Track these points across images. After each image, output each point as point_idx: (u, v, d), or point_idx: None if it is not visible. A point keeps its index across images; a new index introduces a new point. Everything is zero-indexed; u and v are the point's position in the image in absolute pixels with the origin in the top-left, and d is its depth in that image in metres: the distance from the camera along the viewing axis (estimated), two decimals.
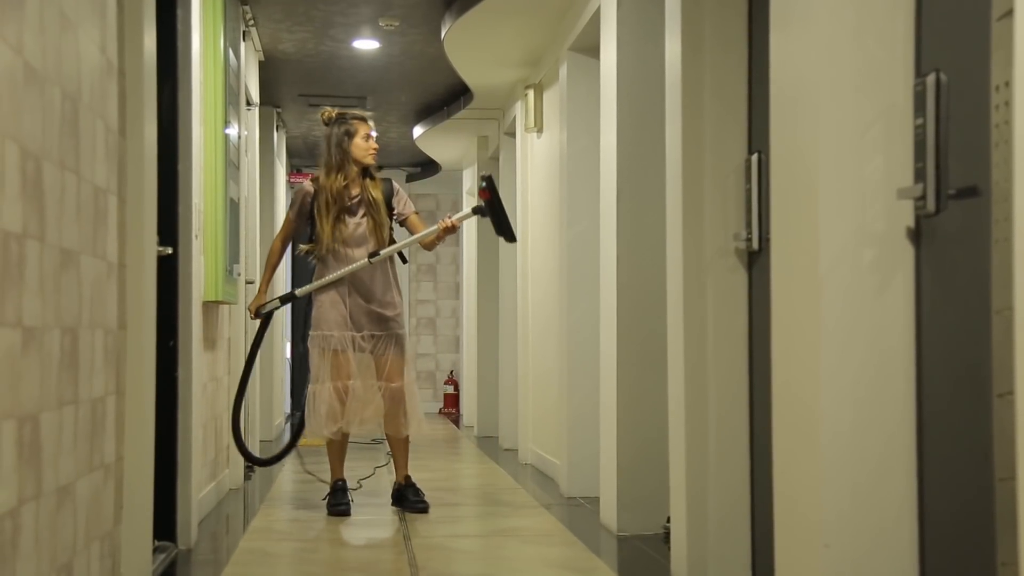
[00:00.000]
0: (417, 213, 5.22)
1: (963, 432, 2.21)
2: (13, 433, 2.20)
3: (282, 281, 9.40)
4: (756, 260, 3.41)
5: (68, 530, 2.63)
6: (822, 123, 2.43)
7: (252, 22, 6.35)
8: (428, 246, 5.18)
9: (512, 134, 7.87)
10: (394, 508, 5.14)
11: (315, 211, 5.04)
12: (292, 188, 11.38)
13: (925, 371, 2.37)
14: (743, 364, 3.49)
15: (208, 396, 5.02)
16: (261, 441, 7.56)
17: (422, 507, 5.04)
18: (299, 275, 10.21)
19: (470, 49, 6.53)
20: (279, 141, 9.30)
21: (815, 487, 2.41)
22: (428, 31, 6.66)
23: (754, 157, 3.30)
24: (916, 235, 2.39)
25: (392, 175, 7.76)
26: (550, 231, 6.32)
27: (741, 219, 3.45)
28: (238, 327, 6.01)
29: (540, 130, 6.72)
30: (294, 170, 11.29)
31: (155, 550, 3.68)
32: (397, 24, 6.53)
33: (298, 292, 5.24)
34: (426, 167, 11.57)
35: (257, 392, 7.23)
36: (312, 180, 5.13)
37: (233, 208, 5.36)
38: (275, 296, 5.39)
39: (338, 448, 5.15)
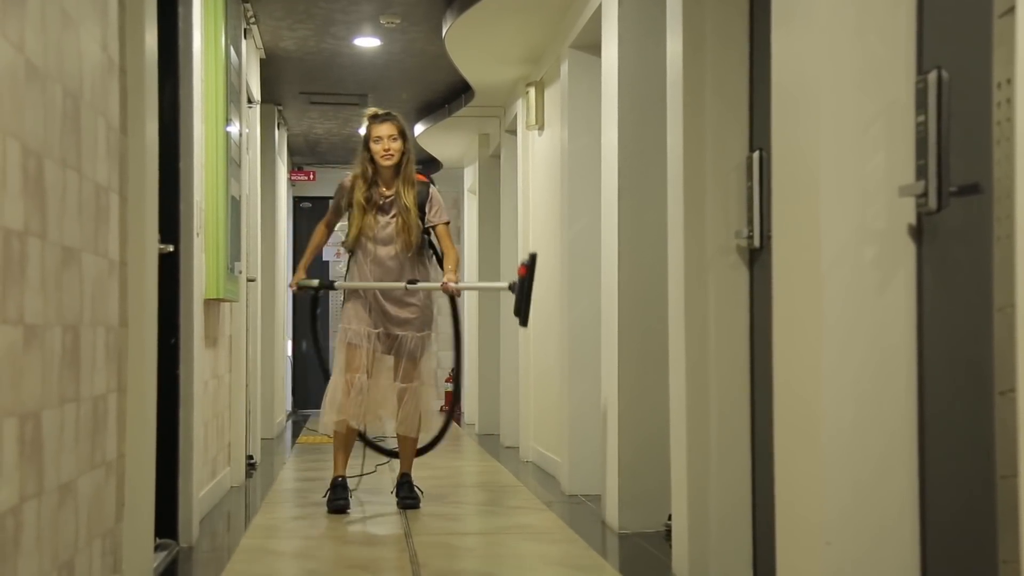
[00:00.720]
0: (447, 223, 5.25)
1: (964, 429, 2.21)
2: (15, 430, 2.20)
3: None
4: (757, 258, 3.41)
5: (69, 527, 2.63)
6: (823, 120, 2.43)
7: (253, 20, 6.35)
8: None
9: (513, 132, 7.86)
10: (397, 507, 5.15)
11: (350, 206, 5.16)
12: (293, 186, 11.39)
13: (927, 368, 2.37)
14: (744, 361, 3.49)
15: (209, 394, 5.02)
16: (263, 440, 7.56)
17: (411, 503, 5.13)
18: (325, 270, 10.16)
19: (471, 47, 6.53)
20: (280, 139, 9.30)
21: (816, 484, 2.41)
22: (429, 29, 6.65)
23: (755, 154, 3.30)
24: (918, 232, 2.39)
25: None
26: (551, 229, 6.31)
27: (742, 216, 3.45)
28: (239, 325, 6.02)
29: (541, 128, 6.72)
30: (295, 168, 11.30)
31: (156, 547, 3.69)
32: (398, 22, 6.53)
33: (337, 284, 5.30)
34: (427, 165, 11.56)
35: (259, 390, 7.23)
36: (353, 177, 5.23)
37: (234, 206, 5.37)
38: (315, 280, 5.37)
39: (343, 442, 5.16)
